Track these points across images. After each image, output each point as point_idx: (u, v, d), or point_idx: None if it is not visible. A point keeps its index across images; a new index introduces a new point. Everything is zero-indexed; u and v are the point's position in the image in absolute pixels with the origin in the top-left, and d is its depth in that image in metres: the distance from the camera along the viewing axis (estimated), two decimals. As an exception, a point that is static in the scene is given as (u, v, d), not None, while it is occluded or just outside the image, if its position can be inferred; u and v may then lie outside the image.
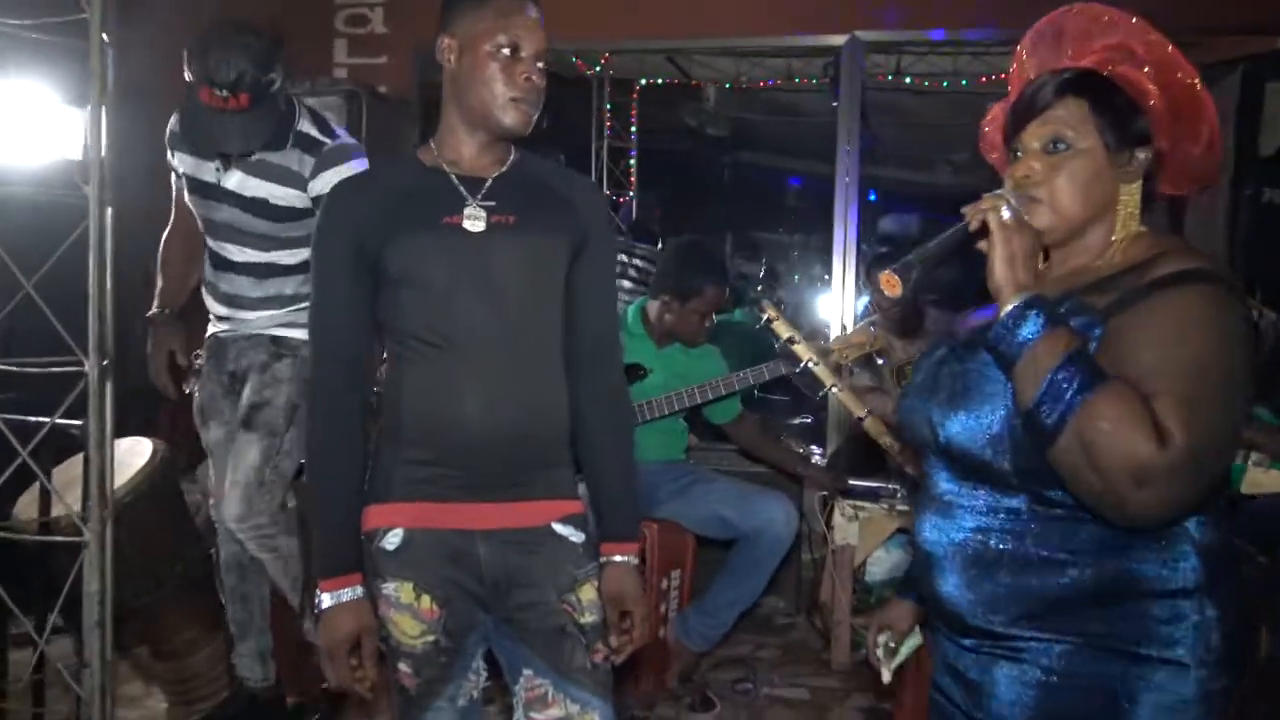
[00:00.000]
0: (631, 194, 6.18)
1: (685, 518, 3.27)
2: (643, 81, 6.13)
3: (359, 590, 1.69)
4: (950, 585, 1.37)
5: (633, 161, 6.18)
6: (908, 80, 5.49)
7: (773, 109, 6.99)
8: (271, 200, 2.61)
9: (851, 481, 3.49)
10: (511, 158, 1.75)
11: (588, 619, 1.73)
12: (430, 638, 1.70)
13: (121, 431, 2.70)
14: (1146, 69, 1.37)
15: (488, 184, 1.70)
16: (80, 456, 2.56)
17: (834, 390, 2.40)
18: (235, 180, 2.62)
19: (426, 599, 1.68)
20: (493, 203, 1.69)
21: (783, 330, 2.39)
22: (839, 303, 4.28)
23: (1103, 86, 1.36)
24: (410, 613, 1.68)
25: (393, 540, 1.69)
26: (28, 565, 2.52)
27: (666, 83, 6.13)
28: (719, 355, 3.43)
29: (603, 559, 1.77)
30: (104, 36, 2.16)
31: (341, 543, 1.71)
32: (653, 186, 6.99)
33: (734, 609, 3.20)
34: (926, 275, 1.34)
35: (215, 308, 2.76)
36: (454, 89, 1.69)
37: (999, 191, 1.33)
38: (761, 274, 7.68)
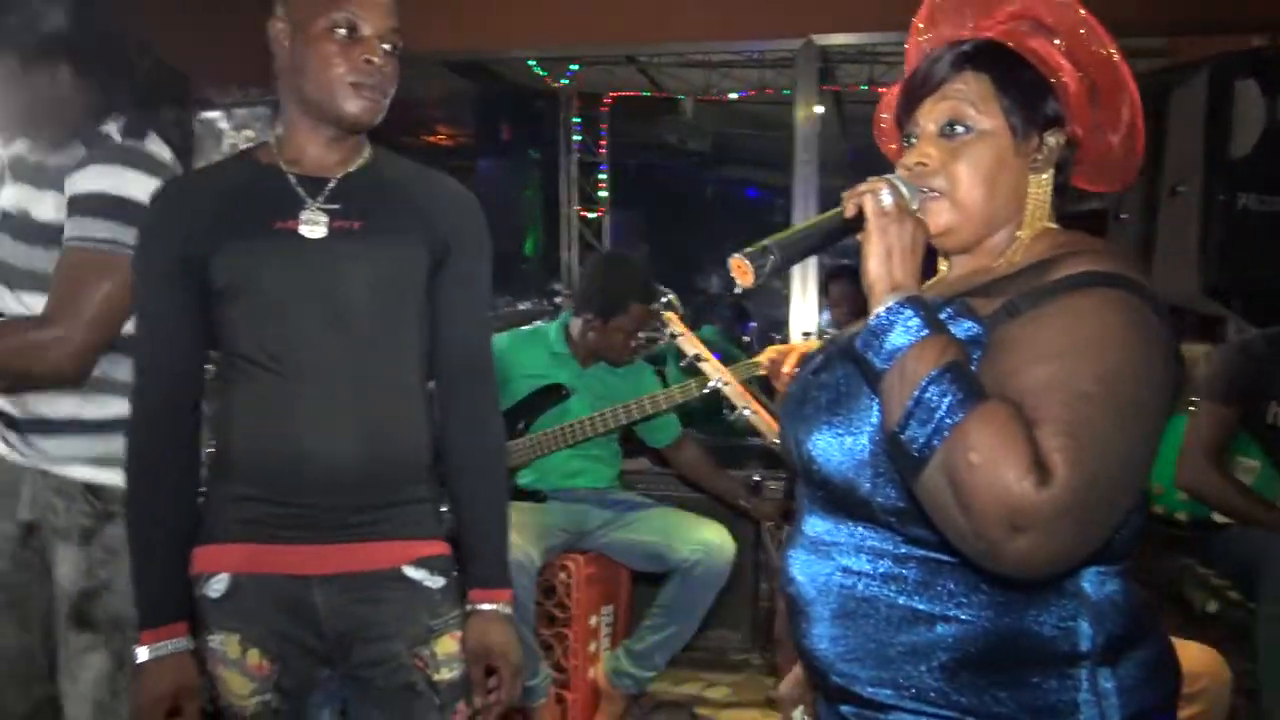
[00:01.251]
0: (600, 211, 6.02)
1: (615, 549, 3.07)
2: (612, 95, 6.00)
3: (182, 643, 1.51)
4: (816, 636, 1.15)
5: (603, 176, 6.01)
6: (883, 90, 5.33)
7: (754, 122, 6.86)
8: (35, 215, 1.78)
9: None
10: (364, 156, 1.57)
11: (444, 675, 1.55)
12: (261, 697, 1.52)
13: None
14: (1057, 40, 1.18)
15: (331, 185, 1.52)
16: None
17: (744, 412, 2.20)
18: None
19: (255, 653, 1.50)
20: (336, 206, 1.51)
21: (688, 347, 2.20)
22: (799, 316, 4.10)
23: (1007, 60, 1.16)
24: (238, 669, 1.50)
25: (218, 586, 1.51)
26: None
27: (639, 96, 5.99)
28: (650, 373, 3.24)
29: (468, 607, 1.59)
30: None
31: (161, 589, 1.53)
32: (631, 203, 6.85)
33: (667, 648, 2.98)
34: (787, 264, 1.15)
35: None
36: (289, 78, 1.52)
37: (888, 175, 1.13)
38: (736, 291, 7.50)
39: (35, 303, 1.72)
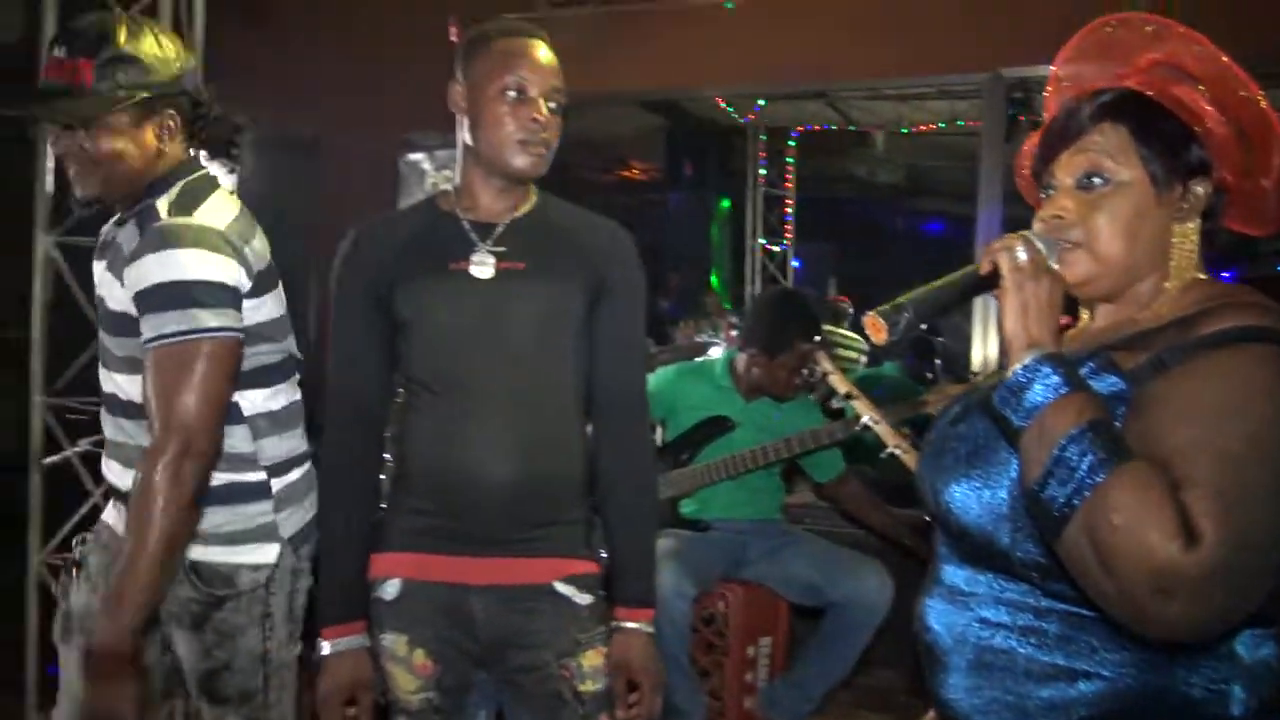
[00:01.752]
0: (786, 244, 6.06)
1: (773, 581, 3.09)
2: (800, 128, 6.04)
3: (360, 640, 1.68)
4: (952, 685, 1.14)
5: (789, 210, 6.06)
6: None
7: (947, 154, 6.71)
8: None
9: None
10: (532, 203, 1.72)
11: (589, 687, 1.65)
12: (425, 694, 1.67)
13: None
14: (1201, 87, 1.15)
15: (499, 229, 1.68)
16: None
17: (896, 451, 2.21)
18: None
19: (420, 654, 1.65)
20: (503, 248, 1.66)
21: (840, 385, 2.23)
22: (981, 351, 4.00)
23: (1147, 109, 1.15)
24: (405, 666, 1.66)
25: (390, 590, 1.67)
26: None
27: (826, 129, 6.00)
28: (816, 409, 3.24)
29: (614, 623, 1.69)
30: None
31: (343, 590, 1.70)
32: (817, 237, 6.84)
33: (823, 683, 2.97)
34: (921, 321, 1.17)
35: (110, 475, 1.82)
36: (467, 134, 1.68)
37: (1025, 231, 1.13)
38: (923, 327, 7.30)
39: (126, 383, 1.71)
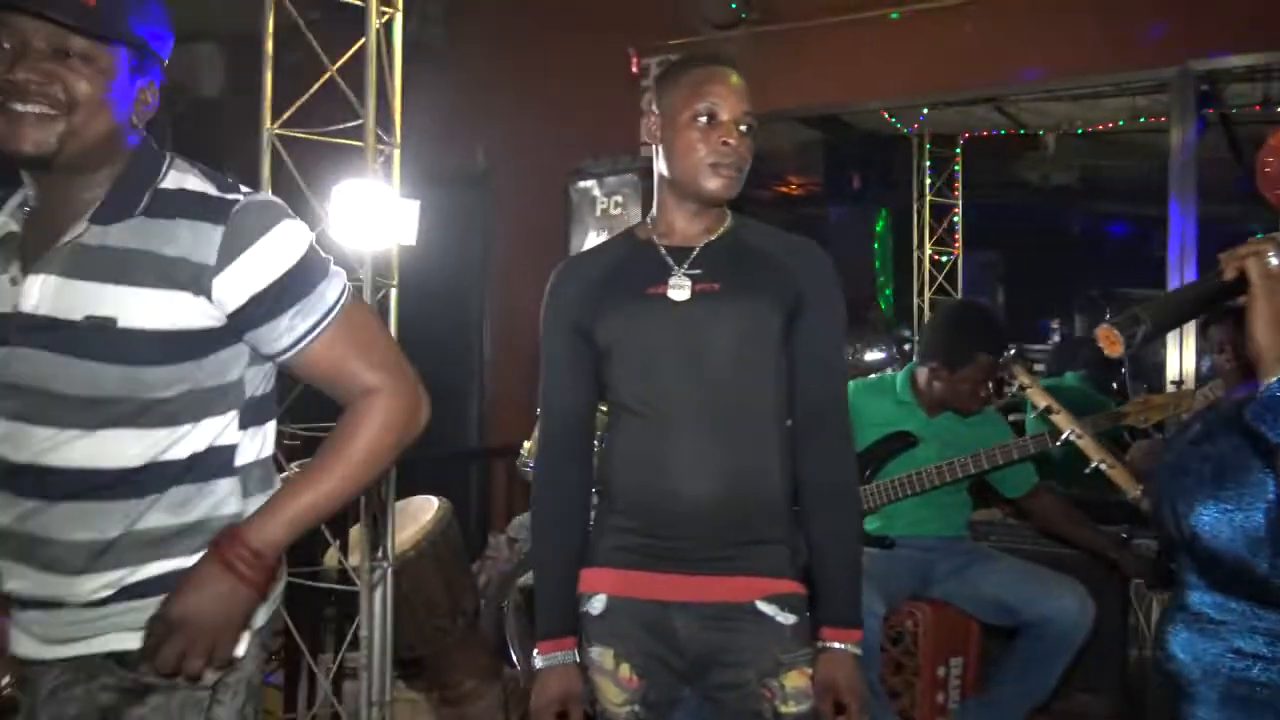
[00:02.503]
0: (954, 253, 5.89)
1: (962, 600, 3.02)
2: (967, 134, 5.88)
3: (571, 655, 1.75)
4: (1204, 718, 1.13)
5: (958, 219, 5.90)
6: (1280, 109, 4.79)
7: (1126, 152, 6.39)
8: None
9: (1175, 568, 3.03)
10: (726, 225, 1.76)
11: (791, 708, 1.66)
12: (631, 707, 1.72)
13: (413, 490, 2.99)
14: None
15: (694, 253, 1.72)
16: (404, 505, 2.86)
17: (1101, 466, 2.12)
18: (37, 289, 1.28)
19: (626, 667, 1.71)
20: (699, 271, 1.70)
21: (1039, 399, 2.17)
22: (1176, 360, 3.80)
23: None
24: (611, 679, 1.71)
25: (597, 605, 1.73)
26: (331, 610, 2.85)
27: (995, 134, 5.82)
28: (1002, 421, 3.15)
29: (819, 644, 1.70)
30: (380, 134, 2.46)
31: (555, 607, 1.77)
32: (987, 245, 6.63)
33: (1018, 707, 2.87)
34: (1159, 332, 1.14)
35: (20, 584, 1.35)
36: (661, 163, 1.75)
37: (1273, 234, 1.09)
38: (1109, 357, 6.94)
39: (126, 441, 1.29)
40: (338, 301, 1.37)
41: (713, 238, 1.73)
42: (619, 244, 1.84)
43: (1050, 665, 2.83)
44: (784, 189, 7.26)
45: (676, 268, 1.71)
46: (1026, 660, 2.86)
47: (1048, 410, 2.12)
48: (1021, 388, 2.17)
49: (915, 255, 5.84)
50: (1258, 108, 4.81)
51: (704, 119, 1.66)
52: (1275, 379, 0.99)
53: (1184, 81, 3.71)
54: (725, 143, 1.66)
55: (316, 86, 2.49)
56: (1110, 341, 1.10)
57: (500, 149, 4.79)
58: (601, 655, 1.71)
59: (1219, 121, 5.06)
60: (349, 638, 2.55)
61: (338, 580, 2.73)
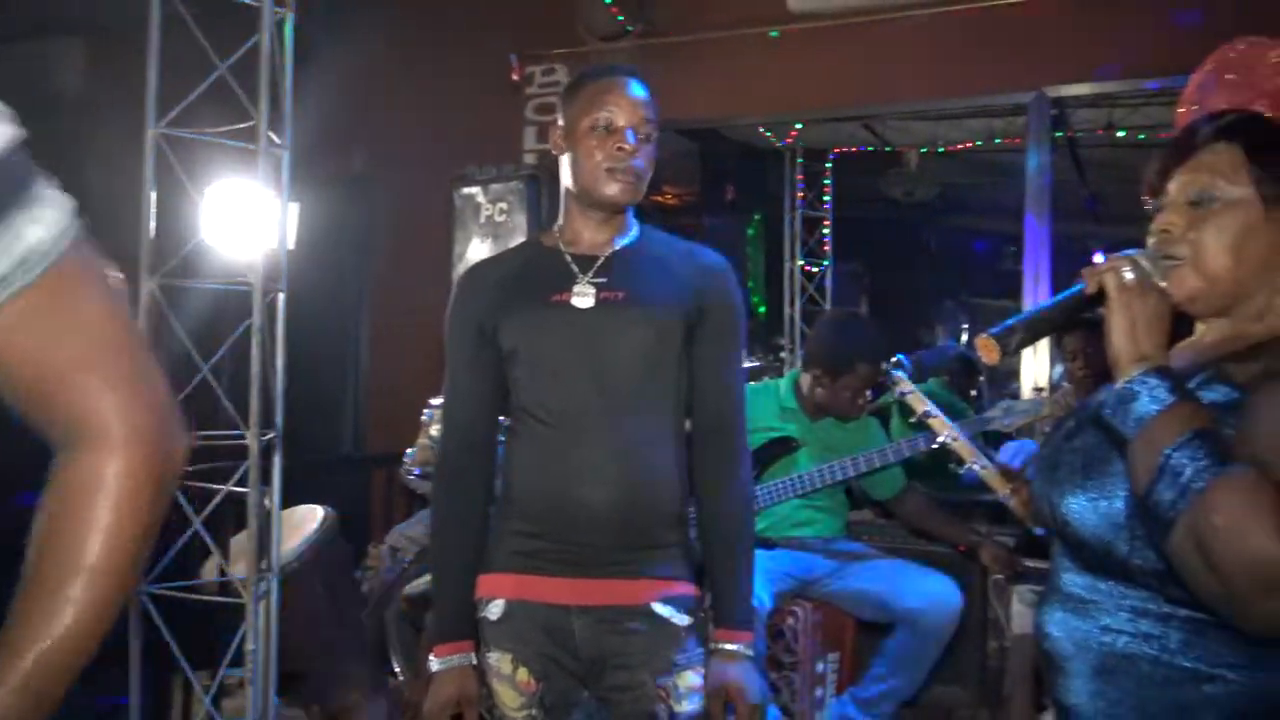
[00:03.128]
0: (826, 264, 6.10)
1: (840, 598, 3.15)
2: (837, 150, 6.09)
3: (468, 658, 1.75)
4: (1075, 690, 1.20)
5: (826, 231, 6.11)
6: (1120, 134, 5.16)
7: (983, 171, 6.74)
8: None
9: (1030, 563, 3.23)
10: (631, 235, 1.80)
11: (685, 707, 1.70)
12: (529, 711, 1.73)
13: (299, 500, 2.93)
14: None
15: (600, 261, 1.75)
16: (287, 514, 2.79)
17: (975, 468, 2.26)
18: None
19: (524, 671, 1.71)
20: (604, 279, 1.73)
21: (917, 404, 2.29)
22: (1029, 369, 4.04)
23: (1264, 130, 1.20)
24: (510, 684, 1.72)
25: (495, 610, 1.74)
26: (209, 624, 2.76)
27: (863, 151, 6.06)
28: (878, 427, 3.31)
29: (712, 645, 1.74)
30: (271, 137, 2.41)
31: (453, 610, 1.77)
32: (854, 257, 6.87)
33: (891, 699, 3.01)
34: (1031, 341, 1.23)
35: None
36: (565, 173, 1.77)
37: (1128, 252, 1.18)
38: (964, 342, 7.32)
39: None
40: (54, 247, 0.82)
41: (618, 247, 1.77)
42: (525, 250, 1.87)
43: (921, 658, 2.98)
44: (660, 198, 7.37)
45: (581, 275, 1.73)
46: (900, 653, 3.00)
47: (926, 415, 2.24)
48: (902, 394, 2.28)
49: (786, 266, 6.01)
50: (1100, 131, 5.17)
51: (601, 128, 1.70)
52: (1127, 378, 1.09)
53: (1040, 106, 3.97)
54: (620, 149, 1.70)
55: (205, 85, 2.41)
56: (989, 350, 1.19)
57: (383, 153, 4.71)
58: (499, 660, 1.72)
59: (1067, 144, 5.42)
60: (230, 654, 2.47)
61: (218, 592, 2.65)
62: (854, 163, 6.24)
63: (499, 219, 4.14)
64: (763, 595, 2.89)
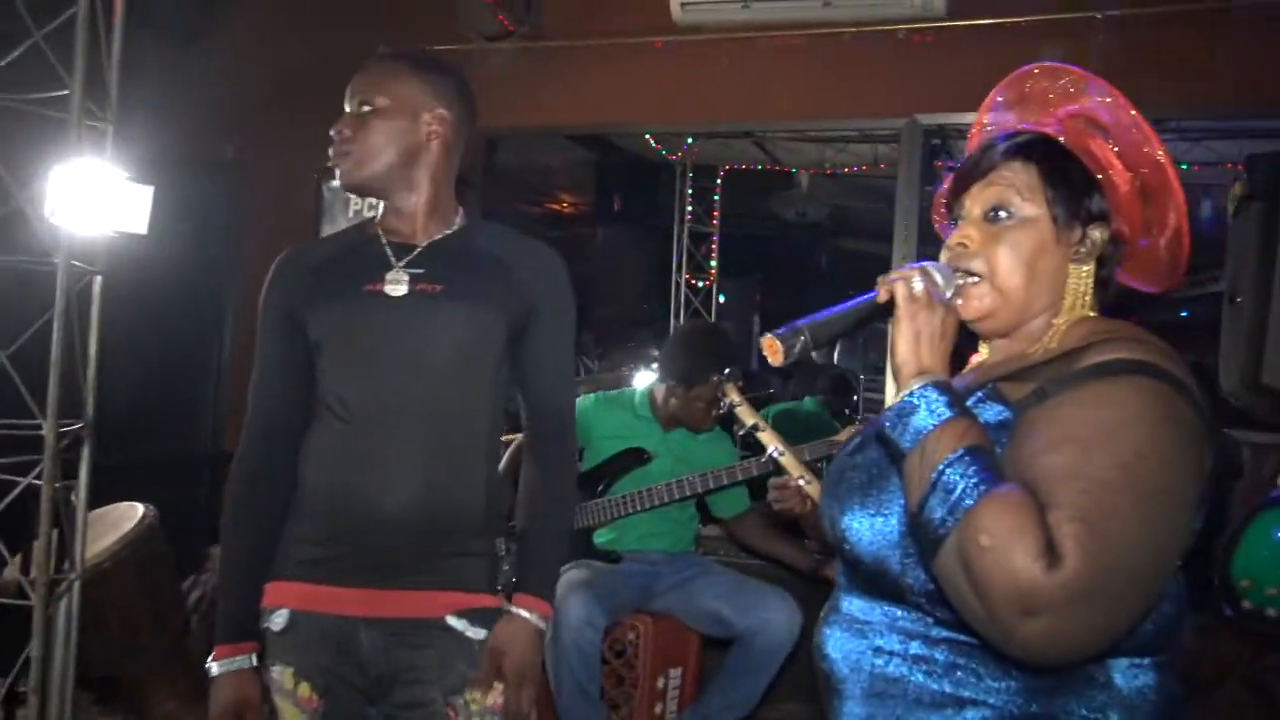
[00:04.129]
0: (710, 280, 6.13)
1: (683, 612, 3.11)
2: (727, 167, 6.14)
3: (248, 660, 1.64)
4: (846, 713, 1.16)
5: (714, 247, 6.14)
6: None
7: (871, 195, 6.87)
8: None
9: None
10: (456, 225, 1.72)
11: None
12: None
13: (128, 496, 2.78)
14: (1111, 141, 1.21)
15: (418, 250, 1.67)
16: (104, 512, 2.63)
17: (800, 482, 2.24)
18: None
19: (305, 686, 1.62)
20: (421, 270, 1.65)
21: (747, 417, 2.26)
22: (892, 387, 4.09)
23: (1058, 153, 1.20)
24: (291, 700, 1.62)
25: (279, 621, 1.64)
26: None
27: (753, 169, 6.11)
28: (730, 442, 3.29)
29: (505, 609, 1.66)
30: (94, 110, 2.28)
31: (237, 610, 1.67)
32: (742, 273, 6.93)
33: (731, 714, 2.98)
34: (817, 345, 1.20)
35: None
36: None
37: (923, 263, 1.17)
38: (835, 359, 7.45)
39: None
40: None
41: (439, 236, 1.69)
42: (347, 235, 1.79)
43: (759, 674, 2.95)
44: (555, 205, 7.34)
45: (396, 263, 1.66)
46: (737, 670, 2.98)
47: (755, 428, 2.21)
48: (732, 406, 2.25)
49: (674, 280, 6.02)
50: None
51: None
52: (907, 391, 1.07)
53: (912, 132, 4.02)
54: (334, 134, 1.65)
55: (20, 50, 2.27)
56: (773, 350, 1.16)
57: (252, 140, 4.55)
58: (281, 674, 1.62)
59: (948, 172, 5.55)
60: (21, 660, 2.31)
61: (16, 595, 2.49)
62: (746, 181, 6.30)
63: (368, 213, 4.00)
64: (602, 609, 2.83)
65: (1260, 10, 3.32)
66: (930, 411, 1.04)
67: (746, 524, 3.29)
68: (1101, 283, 1.21)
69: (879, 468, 1.17)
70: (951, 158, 5.42)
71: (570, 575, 2.91)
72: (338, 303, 1.65)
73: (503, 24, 4.22)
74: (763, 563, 3.41)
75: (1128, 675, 1.07)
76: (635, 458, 3.13)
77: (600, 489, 3.10)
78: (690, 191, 6.03)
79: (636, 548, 3.13)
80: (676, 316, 6.01)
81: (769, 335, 1.17)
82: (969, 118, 3.84)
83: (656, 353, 5.81)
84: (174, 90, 3.80)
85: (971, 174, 1.22)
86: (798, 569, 3.23)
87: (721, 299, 6.27)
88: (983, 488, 0.97)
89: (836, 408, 5.54)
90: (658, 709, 3.07)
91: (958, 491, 0.98)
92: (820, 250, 8.05)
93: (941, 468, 0.99)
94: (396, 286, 1.64)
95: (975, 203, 1.21)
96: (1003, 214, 1.18)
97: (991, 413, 1.10)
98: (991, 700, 1.07)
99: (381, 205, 1.71)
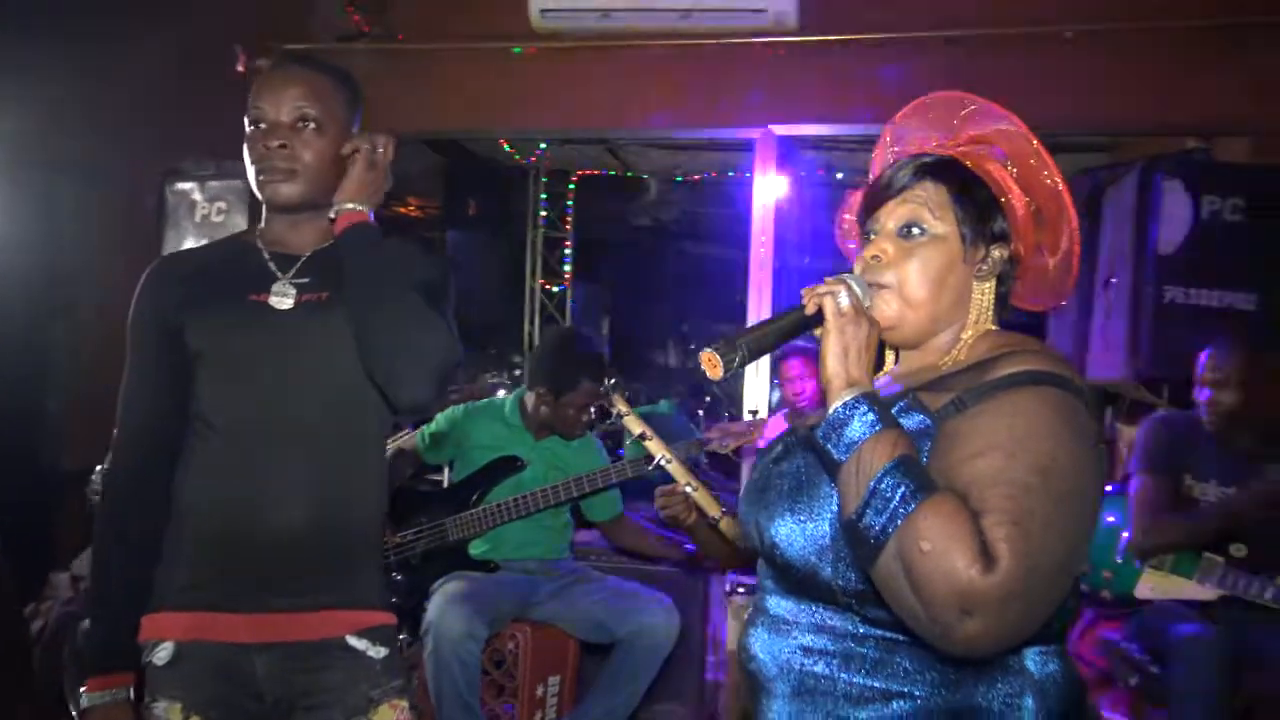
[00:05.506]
0: (564, 284, 6.16)
1: (562, 620, 3.12)
2: (580, 172, 6.17)
3: (124, 693, 1.55)
4: (775, 712, 1.21)
5: (567, 251, 6.17)
6: (839, 175, 5.55)
7: (719, 200, 7.04)
8: None
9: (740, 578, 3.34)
10: (335, 236, 1.67)
11: None
12: None
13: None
14: (1011, 167, 1.29)
15: (301, 260, 1.62)
16: None
17: (688, 489, 2.29)
18: None
19: None
20: (306, 280, 1.60)
21: (634, 426, 2.29)
22: (752, 393, 4.22)
23: (966, 176, 1.28)
24: None
25: (163, 654, 1.55)
26: None
27: (605, 174, 6.17)
28: (599, 447, 3.33)
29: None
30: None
31: (112, 640, 1.57)
32: (594, 277, 6.98)
33: (609, 717, 3.01)
34: (753, 357, 1.23)
35: None
36: None
37: (843, 275, 1.23)
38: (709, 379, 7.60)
39: None
40: None
41: (321, 246, 1.64)
42: (225, 245, 1.72)
43: (638, 677, 2.99)
44: (403, 209, 7.19)
45: (281, 275, 1.61)
46: (617, 674, 3.01)
47: (642, 436, 2.24)
48: (619, 415, 2.28)
49: (527, 284, 6.01)
50: (821, 172, 5.53)
51: (251, 127, 1.59)
52: (839, 403, 1.13)
53: (766, 142, 4.16)
54: (265, 147, 1.57)
55: None
56: (712, 365, 1.20)
57: (99, 141, 4.27)
58: (168, 710, 1.53)
59: (797, 181, 5.76)
60: None
61: None
62: (598, 185, 6.34)
63: (216, 219, 3.84)
64: (480, 621, 2.81)
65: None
66: (862, 423, 1.10)
67: (621, 526, 3.33)
68: (1000, 299, 1.30)
69: (806, 475, 1.23)
70: (802, 168, 5.64)
71: (448, 587, 2.88)
72: (219, 312, 1.59)
73: (356, 24, 4.13)
74: (638, 567, 3.46)
75: (1038, 662, 1.16)
76: (508, 466, 3.12)
77: (474, 498, 3.08)
78: (544, 196, 6.03)
79: (513, 556, 3.13)
80: (531, 321, 6.01)
81: (706, 350, 1.20)
82: (821, 129, 4.01)
83: (519, 359, 5.82)
84: (22, 84, 3.54)
85: (885, 191, 1.29)
86: (675, 561, 3.30)
87: (572, 303, 6.31)
88: (920, 495, 1.04)
89: (691, 409, 5.66)
90: (538, 717, 3.07)
91: (895, 500, 1.04)
92: (670, 254, 8.18)
93: (879, 475, 1.06)
94: (282, 299, 1.59)
95: (890, 218, 1.28)
96: (915, 230, 1.26)
97: (913, 421, 1.17)
98: (917, 692, 1.14)
99: (269, 217, 1.65)
